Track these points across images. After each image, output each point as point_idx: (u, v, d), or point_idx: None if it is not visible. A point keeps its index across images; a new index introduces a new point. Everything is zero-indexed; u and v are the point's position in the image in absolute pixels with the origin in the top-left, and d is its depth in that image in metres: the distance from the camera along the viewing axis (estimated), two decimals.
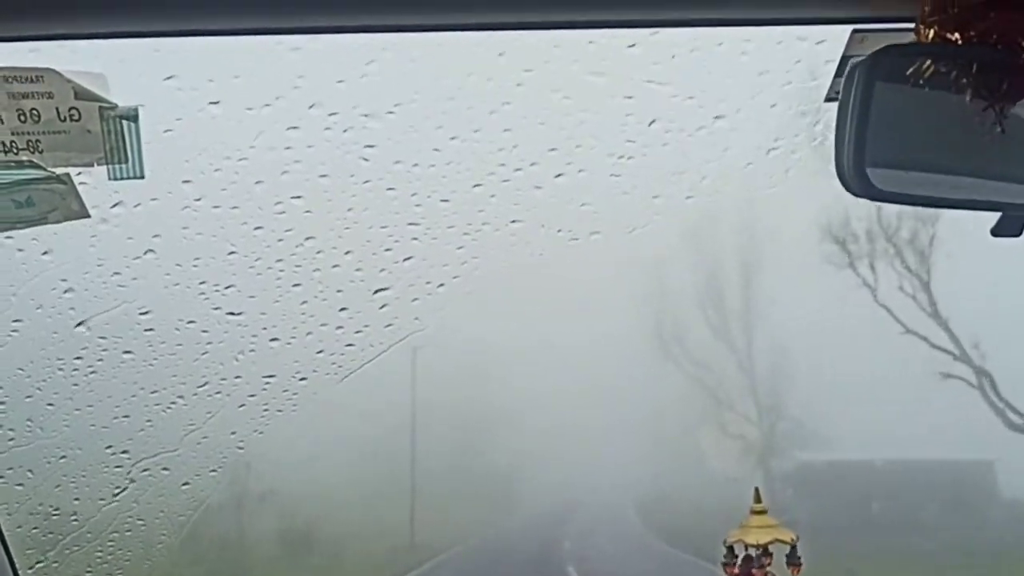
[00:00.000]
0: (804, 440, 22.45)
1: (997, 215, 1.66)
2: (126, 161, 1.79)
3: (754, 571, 3.16)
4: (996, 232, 1.67)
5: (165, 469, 2.63)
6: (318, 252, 2.32)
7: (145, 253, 2.25)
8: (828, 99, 1.77)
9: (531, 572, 17.22)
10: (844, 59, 1.74)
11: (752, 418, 23.30)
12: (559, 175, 2.20)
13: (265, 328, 2.45)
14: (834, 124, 1.61)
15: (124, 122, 1.75)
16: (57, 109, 1.72)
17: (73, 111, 1.73)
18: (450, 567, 17.98)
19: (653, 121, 2.12)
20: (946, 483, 19.95)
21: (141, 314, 2.37)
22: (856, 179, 1.51)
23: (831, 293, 21.01)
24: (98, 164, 1.79)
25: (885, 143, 1.54)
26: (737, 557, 3.27)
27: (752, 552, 3.22)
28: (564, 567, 16.97)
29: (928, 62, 1.56)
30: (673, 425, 24.00)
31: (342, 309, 2.44)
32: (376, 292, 2.39)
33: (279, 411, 2.54)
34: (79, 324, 2.30)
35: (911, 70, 1.56)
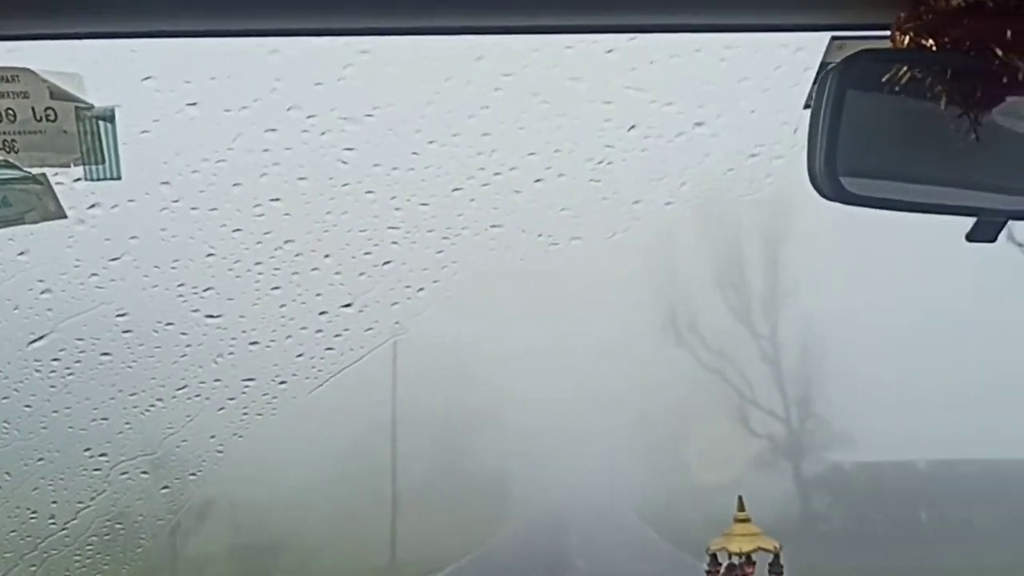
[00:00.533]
0: (835, 440, 20.75)
1: (972, 220, 1.67)
2: (103, 162, 1.79)
3: None
4: (971, 238, 1.67)
5: (144, 472, 2.62)
6: (297, 255, 2.32)
7: (123, 255, 2.24)
8: (807, 106, 1.77)
9: None
10: (823, 66, 1.74)
11: (761, 424, 21.88)
12: (538, 180, 2.20)
13: (244, 331, 2.44)
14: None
15: (101, 123, 1.74)
16: (33, 109, 1.71)
17: (49, 111, 1.72)
18: None
19: (632, 127, 2.12)
20: (1008, 486, 17.27)
21: (119, 316, 2.36)
22: (828, 183, 1.51)
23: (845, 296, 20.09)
24: (74, 165, 1.78)
25: (858, 148, 1.54)
26: (720, 565, 3.27)
27: (735, 560, 3.22)
28: None
29: (902, 68, 1.56)
30: (669, 429, 23.41)
31: (322, 313, 2.43)
32: (355, 296, 2.38)
33: (259, 415, 2.53)
34: (56, 326, 2.29)
35: (885, 75, 1.56)
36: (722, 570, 3.44)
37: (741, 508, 3.42)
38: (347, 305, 2.40)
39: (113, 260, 2.24)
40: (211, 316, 2.38)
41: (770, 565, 2.99)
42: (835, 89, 1.52)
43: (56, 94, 1.70)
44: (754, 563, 3.35)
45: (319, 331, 2.44)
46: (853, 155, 1.52)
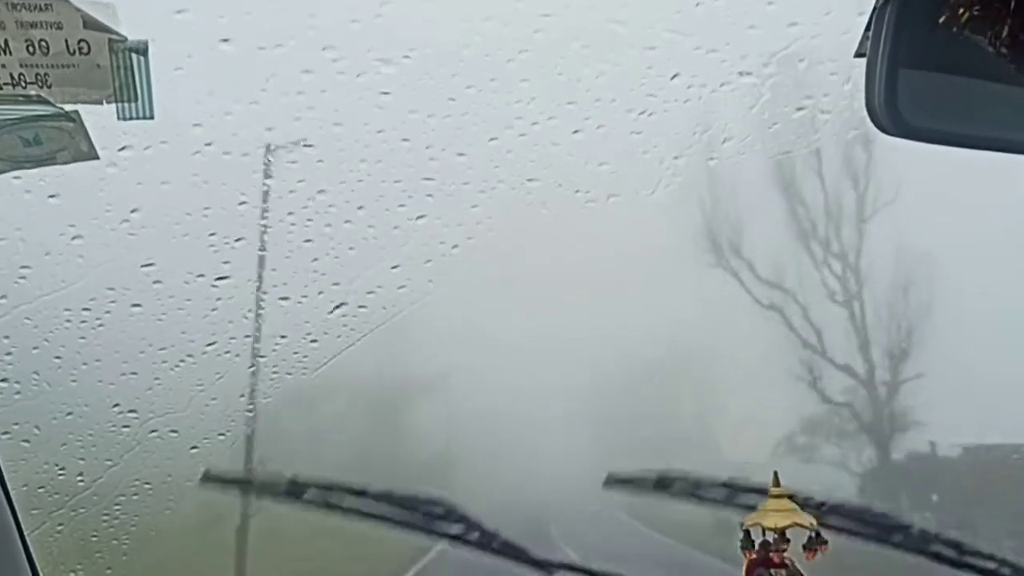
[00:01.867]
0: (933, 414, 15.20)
1: None
2: (136, 100, 1.75)
3: (771, 555, 3.07)
4: None
5: (173, 431, 2.58)
6: (330, 206, 2.27)
7: (154, 200, 2.21)
8: (858, 55, 1.70)
9: None
10: (875, 11, 1.67)
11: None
12: (577, 131, 2.14)
13: (275, 285, 2.40)
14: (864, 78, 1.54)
15: (134, 56, 1.70)
16: (66, 40, 1.68)
17: (82, 43, 1.68)
18: None
19: (675, 75, 2.05)
20: None
21: (149, 265, 2.32)
22: (888, 115, 1.45)
23: None
24: (107, 102, 1.75)
25: (918, 81, 1.47)
26: (754, 541, 3.19)
27: (770, 537, 3.14)
28: None
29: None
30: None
31: (355, 268, 2.38)
32: (389, 251, 2.33)
33: (288, 374, 2.49)
34: (87, 274, 2.25)
35: (945, 7, 1.49)
36: (756, 546, 3.35)
37: (776, 483, 3.33)
38: (380, 261, 2.35)
39: (145, 206, 2.20)
40: (242, 269, 2.33)
41: (809, 540, 2.88)
42: (895, 21, 1.46)
43: (89, 24, 1.66)
44: (789, 540, 3.25)
45: (352, 287, 2.40)
46: (913, 89, 1.45)
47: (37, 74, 1.71)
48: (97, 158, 1.82)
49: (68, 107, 1.76)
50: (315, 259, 2.36)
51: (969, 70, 1.55)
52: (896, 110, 1.46)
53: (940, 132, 1.49)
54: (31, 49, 1.69)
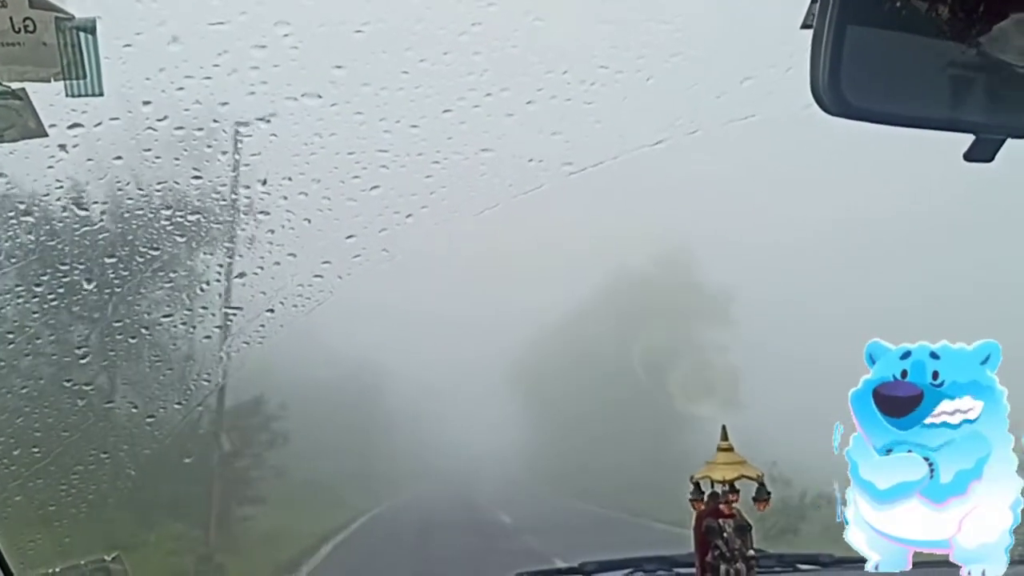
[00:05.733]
0: None
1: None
2: (84, 77, 1.72)
3: (720, 507, 3.19)
4: (968, 156, 1.65)
5: (129, 402, 2.59)
6: (285, 178, 2.26)
7: (107, 176, 2.18)
8: (804, 26, 1.73)
9: None
10: None
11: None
12: (530, 102, 2.16)
13: (231, 258, 2.40)
14: (810, 53, 1.58)
15: (81, 34, 1.68)
16: (11, 19, 1.64)
17: (28, 21, 1.65)
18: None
19: (627, 47, 2.07)
20: None
21: (102, 240, 2.30)
22: (832, 96, 1.48)
23: None
24: (55, 79, 1.72)
25: (862, 62, 1.51)
26: (703, 493, 3.30)
27: (718, 489, 3.25)
28: None
29: None
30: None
31: (310, 240, 2.38)
32: (344, 222, 2.34)
33: (245, 343, 2.50)
34: (37, 250, 2.23)
35: None
36: (705, 498, 3.47)
37: (724, 437, 3.46)
38: (335, 231, 2.35)
39: (96, 182, 2.17)
40: (197, 243, 2.32)
41: (756, 491, 3.00)
42: (839, 2, 1.49)
43: (35, 3, 1.63)
44: (738, 491, 3.38)
45: (307, 258, 2.40)
46: (857, 70, 1.49)
47: None
48: (46, 135, 1.79)
49: (15, 85, 1.73)
50: (271, 231, 2.36)
51: (913, 48, 1.60)
52: (839, 90, 1.50)
53: (882, 112, 1.54)
54: None
